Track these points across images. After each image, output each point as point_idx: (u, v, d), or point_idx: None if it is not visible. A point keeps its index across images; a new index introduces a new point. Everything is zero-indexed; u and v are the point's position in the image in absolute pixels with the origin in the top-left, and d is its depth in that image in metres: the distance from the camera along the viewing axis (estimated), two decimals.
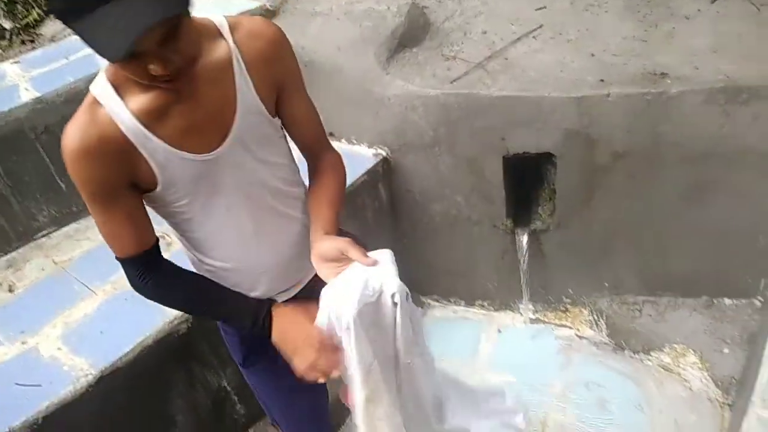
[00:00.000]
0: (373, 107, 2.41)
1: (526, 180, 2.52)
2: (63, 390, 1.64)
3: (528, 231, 2.46)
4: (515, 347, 2.57)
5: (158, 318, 1.76)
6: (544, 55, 2.36)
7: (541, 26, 2.52)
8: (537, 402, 2.33)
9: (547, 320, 2.65)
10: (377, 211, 2.50)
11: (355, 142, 2.54)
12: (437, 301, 2.79)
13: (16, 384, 1.67)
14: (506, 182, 2.38)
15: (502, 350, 2.57)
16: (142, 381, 1.76)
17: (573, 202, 2.36)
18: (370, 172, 2.41)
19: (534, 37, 2.48)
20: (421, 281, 2.75)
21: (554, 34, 2.47)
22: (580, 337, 2.57)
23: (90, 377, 1.67)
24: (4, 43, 2.75)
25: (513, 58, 2.38)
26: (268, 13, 2.70)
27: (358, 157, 2.46)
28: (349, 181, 2.33)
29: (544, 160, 2.35)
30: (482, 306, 2.73)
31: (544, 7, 2.64)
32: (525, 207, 2.53)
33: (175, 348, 1.79)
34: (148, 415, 1.82)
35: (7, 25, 2.75)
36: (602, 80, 2.15)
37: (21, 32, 2.76)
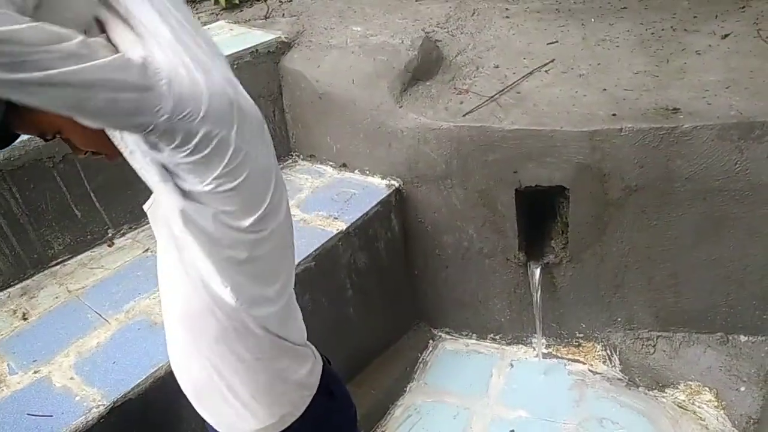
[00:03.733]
0: (386, 139, 2.43)
1: (539, 213, 2.52)
2: (74, 421, 1.63)
3: (540, 264, 2.45)
4: (527, 382, 2.54)
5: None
6: (556, 89, 2.38)
7: (553, 60, 2.55)
8: None
9: (559, 355, 2.63)
10: (389, 241, 2.50)
11: (368, 173, 2.56)
12: (449, 334, 2.77)
13: (28, 414, 1.66)
14: (518, 215, 2.39)
15: (514, 385, 2.54)
16: (154, 413, 1.75)
17: (585, 236, 2.35)
18: (383, 203, 2.42)
19: (546, 71, 2.50)
20: (433, 313, 2.74)
21: (566, 68, 2.50)
22: (594, 373, 2.54)
23: (102, 408, 1.66)
24: None
25: (525, 92, 2.41)
26: (283, 46, 2.74)
27: (371, 188, 2.47)
28: (362, 211, 2.37)
29: (557, 193, 2.36)
30: (494, 340, 2.71)
31: (556, 42, 2.68)
32: (537, 240, 2.53)
33: None
34: None
35: None
36: (614, 114, 2.16)
37: None
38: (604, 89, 2.33)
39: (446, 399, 2.50)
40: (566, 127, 2.17)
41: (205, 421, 1.28)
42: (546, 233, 2.54)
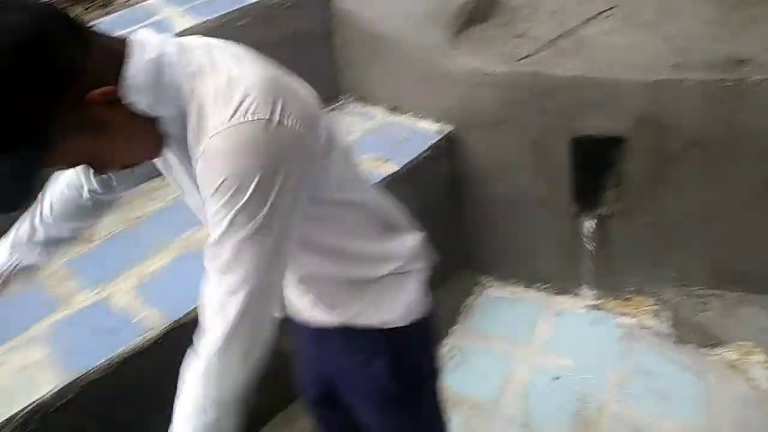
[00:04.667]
0: (438, 83, 2.41)
1: (594, 164, 2.47)
2: (135, 338, 1.74)
3: (593, 216, 2.42)
4: (573, 332, 2.54)
5: None
6: (616, 36, 2.31)
7: (615, 6, 2.46)
8: (594, 389, 2.29)
9: (608, 307, 2.60)
10: (439, 186, 2.51)
11: (420, 116, 2.55)
12: (495, 281, 2.78)
13: (93, 329, 1.79)
14: (573, 165, 2.35)
15: (560, 334, 2.54)
16: None
17: (641, 189, 2.30)
18: (434, 148, 2.42)
19: (607, 17, 2.42)
20: (480, 260, 2.75)
21: (628, 15, 2.41)
22: (642, 327, 2.51)
23: (160, 328, 1.76)
24: (80, 8, 2.87)
25: (584, 39, 2.34)
26: None
27: (422, 132, 2.47)
28: (413, 155, 2.38)
29: (613, 144, 2.30)
30: (541, 289, 2.71)
31: None
32: (591, 191, 2.49)
33: None
34: None
35: None
36: (677, 65, 2.08)
37: None
38: (668, 38, 2.24)
39: (490, 343, 2.53)
40: (626, 76, 2.11)
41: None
42: (600, 185, 2.49)
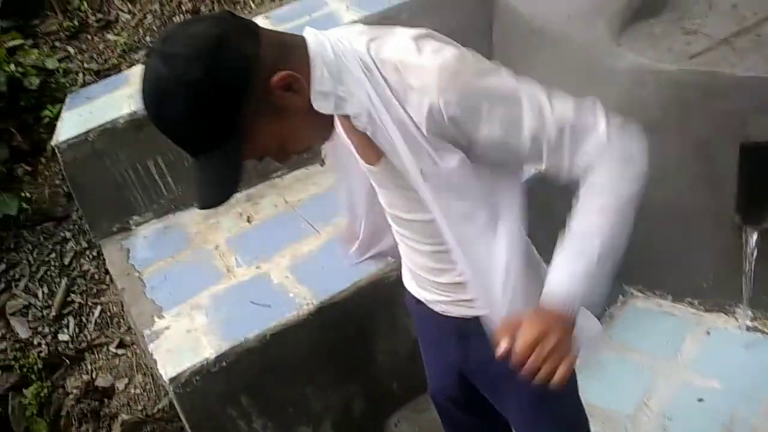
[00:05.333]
0: (599, 79, 2.31)
1: (764, 173, 2.27)
2: (288, 313, 1.85)
3: (760, 229, 2.23)
4: (725, 353, 2.37)
5: (372, 263, 1.89)
6: None
7: None
8: (745, 414, 2.13)
9: (766, 330, 2.40)
10: None
11: None
12: (641, 291, 2.64)
13: (251, 302, 1.91)
14: (741, 173, 2.17)
15: (709, 354, 2.37)
16: (353, 317, 1.91)
17: None
18: None
19: None
20: (626, 268, 2.57)
21: None
22: None
23: (311, 306, 1.85)
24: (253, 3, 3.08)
25: (765, 37, 2.15)
26: None
27: None
28: None
29: None
30: (691, 304, 2.54)
31: None
32: (758, 203, 2.29)
33: (384, 293, 1.91)
34: (354, 349, 1.98)
35: None
36: None
37: None
38: None
39: (631, 355, 2.42)
40: None
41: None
42: None
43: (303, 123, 0.99)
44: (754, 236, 2.24)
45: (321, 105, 0.97)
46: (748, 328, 2.42)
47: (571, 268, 1.05)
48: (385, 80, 0.97)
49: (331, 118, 1.04)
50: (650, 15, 2.39)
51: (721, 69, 2.06)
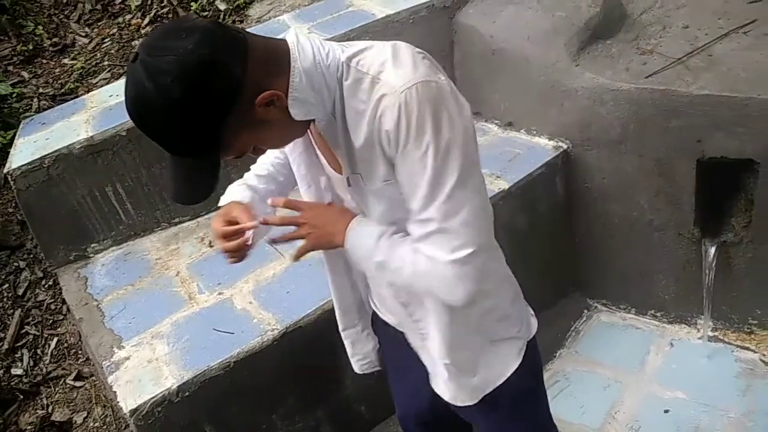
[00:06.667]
0: (559, 98, 2.35)
1: (721, 187, 2.33)
2: (252, 340, 1.81)
3: (717, 242, 2.28)
4: (688, 364, 2.40)
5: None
6: (755, 52, 2.17)
7: (754, 21, 2.31)
8: (709, 424, 2.16)
9: (727, 340, 2.45)
10: (552, 205, 2.45)
11: (535, 133, 2.51)
12: (605, 306, 2.67)
13: (214, 329, 1.87)
14: (698, 188, 2.23)
15: (673, 365, 2.41)
16: (319, 342, 1.88)
17: None
18: (548, 165, 2.36)
19: (746, 32, 2.28)
20: (591, 283, 2.65)
21: None
22: (766, 363, 2.34)
23: (276, 332, 1.82)
24: None
25: (718, 56, 2.21)
26: (460, 1, 2.71)
27: (537, 149, 2.43)
28: (526, 172, 2.33)
29: (744, 167, 2.17)
30: (655, 316, 2.58)
31: (761, 0, 2.41)
32: (715, 216, 2.35)
33: None
34: (321, 374, 1.95)
35: (222, 6, 3.06)
36: None
37: (233, 13, 3.05)
38: None
39: (598, 370, 2.43)
40: (765, 94, 1.98)
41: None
42: (726, 210, 2.34)
43: (280, 128, 1.04)
44: (713, 249, 2.29)
45: (296, 112, 1.00)
46: (709, 338, 2.47)
47: (379, 235, 1.11)
48: (357, 91, 1.01)
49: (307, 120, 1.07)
50: (607, 36, 2.44)
51: (677, 87, 2.11)
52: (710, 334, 2.48)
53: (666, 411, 2.24)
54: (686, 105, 2.09)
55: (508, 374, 1.29)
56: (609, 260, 2.55)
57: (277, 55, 0.99)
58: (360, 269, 1.25)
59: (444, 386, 1.30)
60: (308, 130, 1.13)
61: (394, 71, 0.99)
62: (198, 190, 1.03)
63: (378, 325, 1.44)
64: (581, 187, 2.45)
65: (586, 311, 2.66)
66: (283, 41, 1.02)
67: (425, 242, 1.03)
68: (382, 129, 0.99)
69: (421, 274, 1.06)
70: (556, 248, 2.55)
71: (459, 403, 1.31)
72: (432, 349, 1.27)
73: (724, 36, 2.28)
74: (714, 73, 2.13)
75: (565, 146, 2.40)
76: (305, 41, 1.03)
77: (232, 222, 1.22)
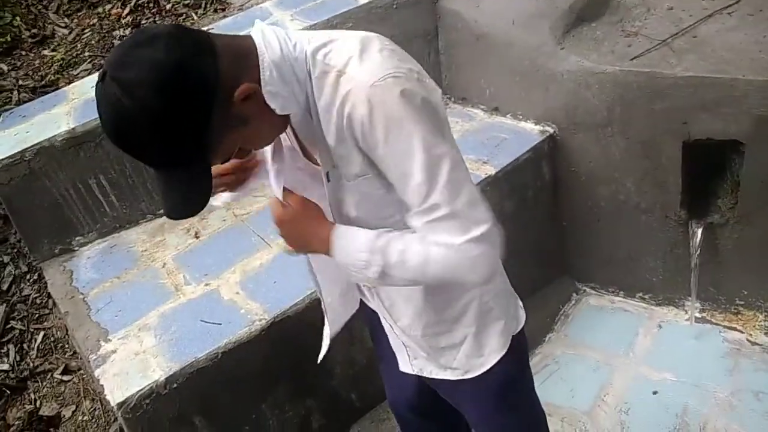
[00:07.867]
0: (544, 83, 2.35)
1: (705, 169, 2.34)
2: (240, 330, 1.80)
3: (704, 224, 2.29)
4: (676, 345, 2.42)
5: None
6: (739, 33, 2.17)
7: (738, 2, 2.31)
8: (697, 404, 2.18)
9: (714, 321, 2.46)
10: (539, 190, 2.45)
11: (521, 117, 2.50)
12: (594, 289, 2.69)
13: (201, 321, 1.86)
14: (684, 169, 2.23)
15: (662, 346, 2.42)
16: (308, 331, 1.86)
17: (759, 196, 2.15)
18: (535, 149, 2.36)
19: (729, 13, 2.28)
20: (579, 267, 2.66)
21: (754, 10, 2.25)
22: (752, 343, 2.36)
23: (263, 321, 1.81)
24: (200, 11, 3.02)
25: (703, 37, 2.21)
26: None
27: (523, 134, 2.42)
28: (512, 157, 2.33)
29: (730, 148, 2.17)
30: (643, 299, 2.60)
31: None
32: (701, 198, 2.35)
33: None
34: (310, 363, 1.93)
35: None
36: None
37: (215, 1, 3.01)
38: None
39: (587, 353, 2.45)
40: (749, 75, 1.98)
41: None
42: (712, 191, 2.35)
43: (262, 124, 1.01)
44: (699, 230, 2.30)
45: (274, 105, 0.99)
46: (697, 320, 2.49)
47: (371, 237, 1.07)
48: (323, 85, 0.99)
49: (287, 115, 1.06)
50: (592, 19, 2.43)
51: (662, 69, 2.11)
52: (698, 315, 2.50)
53: (654, 392, 2.26)
54: (671, 87, 2.09)
55: (492, 364, 1.29)
56: (597, 244, 2.56)
57: (244, 50, 0.97)
58: (355, 282, 1.25)
59: (409, 365, 1.35)
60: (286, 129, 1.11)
61: (361, 65, 0.97)
62: (194, 200, 1.00)
63: (366, 313, 1.43)
64: (568, 171, 2.44)
65: (574, 295, 2.67)
66: (248, 37, 1.00)
67: (434, 229, 1.01)
68: (353, 124, 0.97)
69: (435, 262, 1.03)
70: (544, 233, 2.55)
71: (426, 375, 1.34)
72: (404, 328, 1.28)
73: (709, 17, 2.28)
74: (699, 54, 2.13)
75: (551, 130, 2.40)
76: (270, 34, 1.00)
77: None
